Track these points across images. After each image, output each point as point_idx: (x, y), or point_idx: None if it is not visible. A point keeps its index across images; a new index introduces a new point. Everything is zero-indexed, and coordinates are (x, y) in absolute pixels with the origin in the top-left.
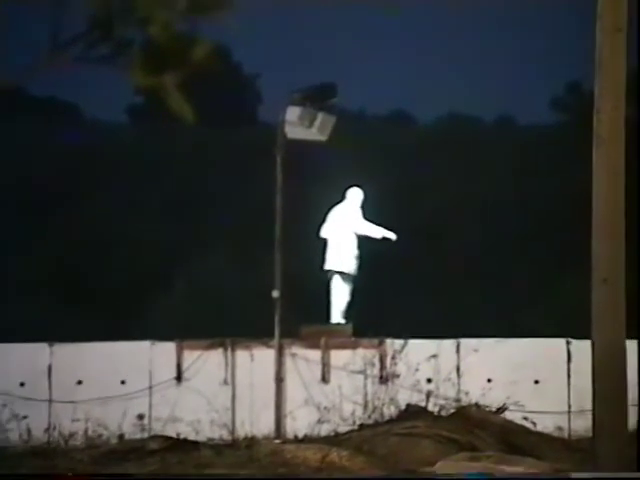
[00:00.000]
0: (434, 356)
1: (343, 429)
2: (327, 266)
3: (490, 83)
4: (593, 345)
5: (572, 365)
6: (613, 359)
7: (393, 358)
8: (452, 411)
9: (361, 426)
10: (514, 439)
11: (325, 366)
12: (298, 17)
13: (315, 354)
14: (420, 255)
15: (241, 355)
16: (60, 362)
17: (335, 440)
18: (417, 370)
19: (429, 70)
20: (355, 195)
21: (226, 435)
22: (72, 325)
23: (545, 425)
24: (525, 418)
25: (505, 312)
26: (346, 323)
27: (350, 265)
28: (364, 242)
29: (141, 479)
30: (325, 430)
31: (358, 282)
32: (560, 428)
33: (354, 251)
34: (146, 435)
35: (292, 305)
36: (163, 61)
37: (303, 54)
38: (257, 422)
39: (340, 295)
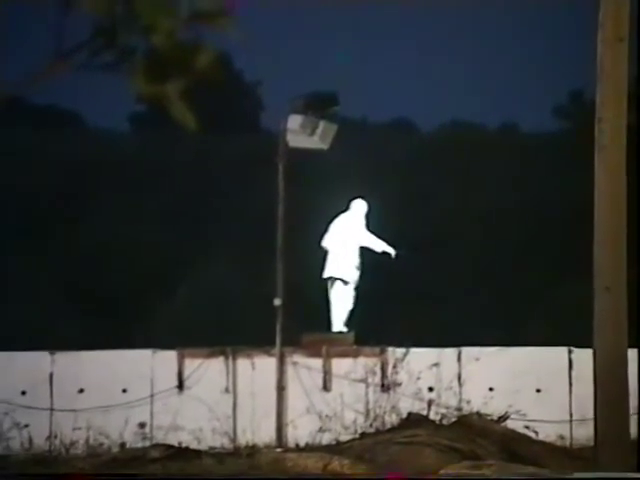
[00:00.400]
0: (436, 365)
1: (344, 437)
2: (327, 273)
3: (493, 91)
4: (595, 353)
5: (574, 374)
6: (615, 367)
7: (394, 366)
8: (453, 420)
9: (362, 434)
10: (516, 448)
11: (326, 374)
12: (300, 25)
13: (316, 362)
14: (422, 263)
15: (242, 363)
16: (61, 370)
17: (336, 449)
18: (419, 379)
19: (432, 78)
20: (359, 206)
21: (227, 443)
22: (73, 333)
23: (547, 434)
24: (527, 427)
25: (507, 321)
26: (348, 331)
27: (350, 273)
28: (365, 252)
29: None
30: (326, 439)
31: (360, 290)
32: (562, 437)
33: (355, 261)
34: (148, 444)
35: (293, 313)
36: (166, 69)
37: (305, 62)
38: (258, 430)
39: (340, 303)
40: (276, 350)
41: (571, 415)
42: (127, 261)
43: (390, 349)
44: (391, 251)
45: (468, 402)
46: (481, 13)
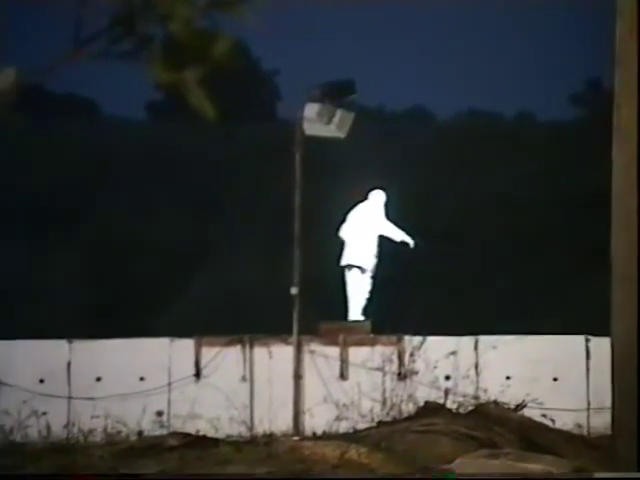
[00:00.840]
0: (453, 353)
1: (361, 426)
2: (344, 261)
3: (510, 79)
4: (612, 342)
5: (591, 362)
6: (632, 356)
7: (411, 355)
8: (471, 408)
9: (379, 423)
10: (533, 436)
11: (343, 363)
12: (317, 14)
13: (333, 351)
14: (439, 252)
15: (259, 352)
16: (79, 359)
17: (353, 437)
18: (435, 367)
19: (449, 66)
20: (378, 196)
21: (245, 432)
22: (91, 322)
23: (564, 422)
24: (544, 415)
25: (524, 309)
26: (364, 320)
27: (367, 261)
28: (383, 241)
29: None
30: (343, 427)
31: (377, 279)
32: (579, 425)
33: (373, 249)
34: (165, 432)
35: (310, 302)
36: (184, 57)
37: (322, 51)
38: (275, 419)
39: (357, 291)
40: (293, 339)
41: (588, 403)
42: (144, 250)
43: (407, 337)
44: (410, 241)
45: (485, 390)
46: (498, 3)
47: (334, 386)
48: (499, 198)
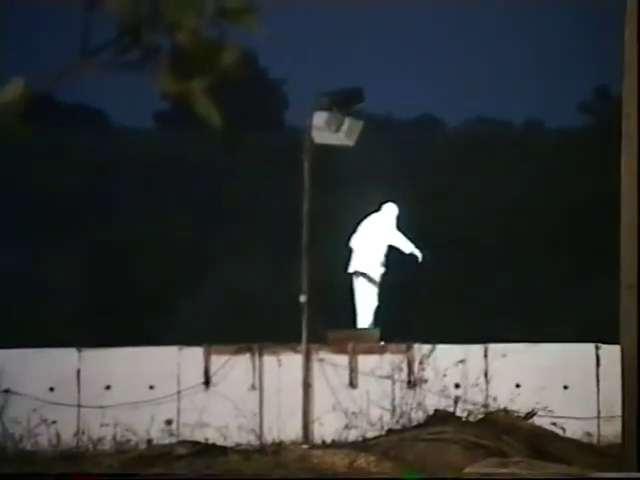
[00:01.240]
0: (462, 361)
1: (371, 434)
2: (352, 268)
3: (518, 87)
4: (622, 350)
5: (601, 370)
6: None
7: (421, 363)
8: (480, 416)
9: (389, 431)
10: (543, 445)
11: (353, 371)
12: (325, 22)
13: (343, 359)
14: (448, 259)
15: (268, 360)
16: (89, 367)
17: (363, 445)
18: (445, 375)
19: (457, 74)
20: (390, 208)
21: (254, 440)
22: (101, 330)
23: (574, 431)
24: (554, 424)
25: (533, 317)
26: (374, 328)
27: (375, 269)
28: (392, 250)
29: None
30: (353, 435)
31: (385, 287)
32: (589, 434)
33: (381, 257)
34: (174, 440)
35: (319, 310)
36: (191, 67)
37: (330, 59)
38: (285, 427)
39: (366, 299)
40: (302, 347)
41: (599, 412)
42: (153, 258)
43: (416, 346)
44: (419, 254)
45: (495, 399)
46: (508, 9)
47: (343, 394)
48: (509, 206)
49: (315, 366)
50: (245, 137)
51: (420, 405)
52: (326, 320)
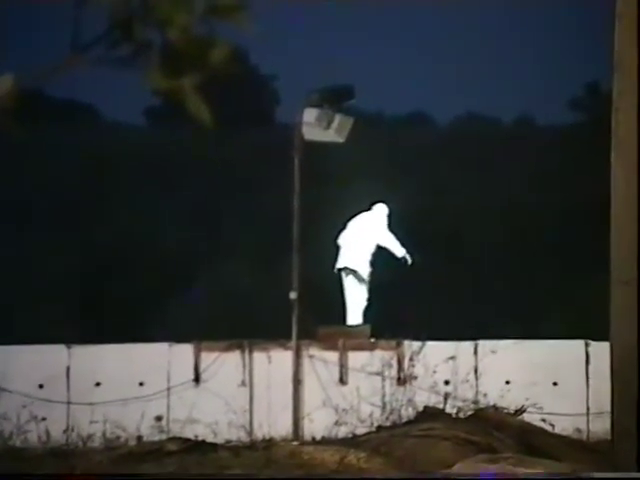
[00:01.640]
0: (452, 358)
1: (361, 431)
2: (340, 264)
3: (509, 83)
4: (612, 347)
5: (591, 367)
6: (632, 361)
7: (411, 360)
8: (470, 413)
9: (379, 428)
10: (532, 441)
11: (343, 368)
12: (315, 19)
13: (333, 356)
14: (438, 257)
15: (259, 357)
16: (78, 364)
17: (353, 442)
18: (435, 372)
19: (448, 70)
20: (381, 209)
21: (244, 437)
22: (90, 327)
23: (563, 427)
24: (543, 420)
25: (523, 314)
26: (364, 324)
27: (364, 266)
28: (382, 251)
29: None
30: (343, 432)
31: (375, 283)
32: (579, 430)
33: (368, 256)
34: (164, 437)
35: (309, 307)
36: (181, 64)
37: (320, 56)
38: (275, 424)
39: (356, 296)
40: (292, 343)
41: (588, 408)
42: (143, 255)
43: (406, 342)
44: (408, 259)
45: (485, 395)
46: (497, 6)
47: (333, 391)
48: (499, 202)
49: (305, 362)
50: (236, 133)
51: (410, 401)
52: (316, 317)
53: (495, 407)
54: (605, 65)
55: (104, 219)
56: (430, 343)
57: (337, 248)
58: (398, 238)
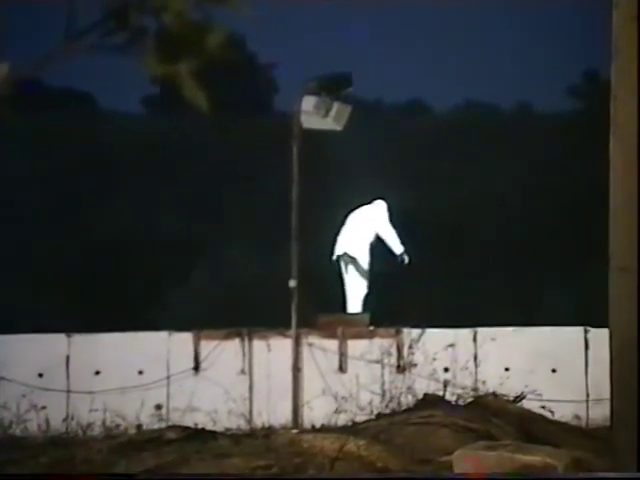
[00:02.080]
0: (451, 345)
1: (360, 418)
2: (339, 250)
3: (507, 71)
4: (611, 334)
5: (590, 354)
6: (631, 348)
7: (410, 347)
8: (469, 400)
9: (378, 415)
10: (532, 428)
11: (342, 356)
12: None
13: (332, 344)
14: (437, 244)
15: (258, 345)
16: (78, 353)
17: (352, 430)
18: (434, 359)
19: (446, 58)
20: (382, 204)
21: (244, 425)
22: (90, 315)
23: (563, 414)
24: (543, 407)
25: (523, 301)
26: (363, 312)
27: (363, 253)
28: (381, 242)
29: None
30: (342, 420)
31: (375, 271)
32: (578, 417)
33: (368, 247)
34: (164, 425)
35: (309, 295)
36: (177, 49)
37: (319, 43)
38: (274, 412)
39: (355, 284)
40: (292, 331)
41: (587, 395)
42: (142, 243)
43: (406, 330)
44: (406, 259)
45: (484, 382)
46: None
47: (333, 379)
48: (498, 190)
49: (305, 350)
50: (234, 121)
51: (409, 389)
52: (315, 305)
53: (494, 394)
54: (603, 53)
55: (104, 207)
56: (429, 331)
57: (338, 232)
58: (398, 234)
